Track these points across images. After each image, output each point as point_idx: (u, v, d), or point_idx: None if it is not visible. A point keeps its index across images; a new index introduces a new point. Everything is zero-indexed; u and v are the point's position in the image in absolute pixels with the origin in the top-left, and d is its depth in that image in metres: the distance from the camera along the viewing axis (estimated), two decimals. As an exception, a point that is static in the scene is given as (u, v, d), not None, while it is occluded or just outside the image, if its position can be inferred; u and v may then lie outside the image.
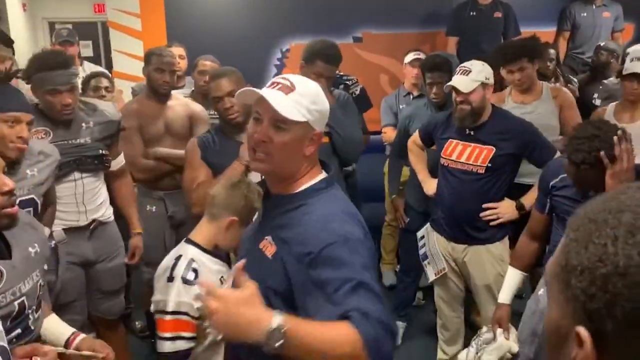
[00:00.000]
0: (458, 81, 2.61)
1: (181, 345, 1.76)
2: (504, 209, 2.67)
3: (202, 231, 1.91)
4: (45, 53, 2.41)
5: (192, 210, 2.50)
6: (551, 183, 2.20)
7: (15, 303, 1.52)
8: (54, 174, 2.28)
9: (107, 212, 2.65)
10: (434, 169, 2.91)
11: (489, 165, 2.61)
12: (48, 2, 7.51)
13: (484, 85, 2.61)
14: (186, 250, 1.86)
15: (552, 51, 4.04)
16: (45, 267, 1.72)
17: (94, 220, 2.56)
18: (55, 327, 1.71)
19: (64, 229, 2.47)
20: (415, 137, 3.02)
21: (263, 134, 1.32)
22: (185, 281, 1.77)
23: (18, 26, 6.86)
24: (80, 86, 3.49)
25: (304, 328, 1.15)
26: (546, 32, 4.95)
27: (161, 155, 2.98)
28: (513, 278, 2.36)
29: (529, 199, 2.60)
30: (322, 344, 1.14)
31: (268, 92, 1.30)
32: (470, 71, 2.61)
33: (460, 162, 2.68)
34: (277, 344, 1.10)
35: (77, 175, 2.47)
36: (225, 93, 2.41)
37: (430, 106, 3.30)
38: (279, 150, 1.32)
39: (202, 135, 2.58)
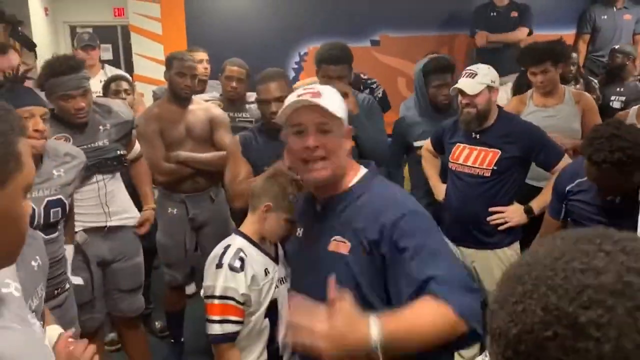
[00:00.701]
0: (464, 84, 2.61)
1: (229, 328, 1.85)
2: (512, 213, 2.65)
3: (247, 223, 2.00)
4: (56, 59, 2.44)
5: (232, 204, 2.56)
6: (567, 188, 2.18)
7: None
8: (81, 175, 2.31)
9: (129, 214, 2.69)
10: (443, 174, 2.92)
11: (495, 168, 2.60)
12: (69, 6, 7.63)
13: (489, 88, 2.61)
14: (235, 240, 1.95)
15: (574, 55, 4.03)
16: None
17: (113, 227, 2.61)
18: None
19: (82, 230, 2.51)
20: (427, 144, 3.02)
21: (315, 141, 1.38)
22: (232, 268, 1.85)
23: (40, 30, 6.97)
24: (101, 89, 3.56)
25: (398, 324, 1.19)
26: (566, 34, 4.91)
27: (183, 159, 3.02)
28: None
29: (538, 203, 2.59)
30: (420, 330, 1.20)
31: (312, 99, 1.38)
32: (476, 74, 2.61)
33: (467, 165, 2.68)
34: (381, 352, 1.15)
35: (98, 177, 2.51)
36: (273, 98, 2.40)
37: (420, 109, 3.20)
38: (334, 152, 1.40)
39: (244, 134, 2.58)
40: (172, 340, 3.30)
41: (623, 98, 3.95)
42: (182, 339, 3.29)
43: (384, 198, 1.41)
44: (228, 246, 1.93)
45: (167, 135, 3.01)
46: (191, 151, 3.06)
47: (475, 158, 2.65)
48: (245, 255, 1.90)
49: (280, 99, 2.38)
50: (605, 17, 5.04)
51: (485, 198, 2.64)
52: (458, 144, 2.73)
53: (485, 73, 2.63)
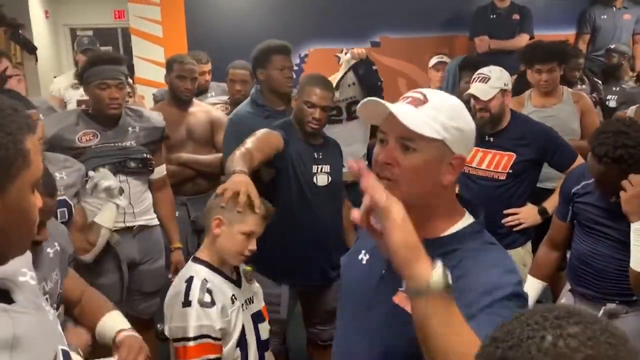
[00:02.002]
0: (477, 89, 2.59)
1: None
2: (526, 214, 2.65)
3: (203, 248, 1.86)
4: (98, 52, 2.51)
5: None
6: (573, 190, 2.17)
7: None
8: (82, 182, 2.32)
9: (152, 216, 2.71)
10: None
11: (510, 171, 2.60)
12: (69, 9, 7.66)
13: (503, 91, 2.59)
14: (197, 271, 1.78)
15: (580, 61, 4.03)
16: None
17: (140, 227, 2.63)
18: (111, 322, 1.66)
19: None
20: None
21: (388, 155, 1.09)
22: (203, 304, 1.69)
23: (40, 33, 7.00)
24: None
25: (450, 311, 0.92)
26: (566, 35, 4.93)
27: (184, 161, 3.03)
28: (534, 288, 2.32)
29: (552, 203, 2.58)
30: (448, 339, 0.91)
31: (395, 106, 1.10)
32: (489, 78, 2.59)
33: (481, 169, 2.66)
34: (431, 295, 0.89)
35: (122, 177, 2.52)
36: (320, 104, 2.37)
37: None
38: (407, 175, 1.08)
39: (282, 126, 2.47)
40: (174, 343, 3.30)
41: (622, 100, 3.97)
42: (184, 342, 3.29)
43: (488, 267, 1.09)
44: (191, 279, 1.74)
45: (168, 138, 3.01)
46: (192, 153, 3.08)
47: (489, 162, 2.64)
48: (212, 285, 1.74)
49: (325, 108, 2.39)
50: (605, 17, 5.04)
51: (500, 201, 2.63)
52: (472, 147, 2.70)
53: (498, 77, 2.60)
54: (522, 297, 1.07)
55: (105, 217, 2.33)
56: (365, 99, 1.12)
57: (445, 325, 0.90)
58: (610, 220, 2.02)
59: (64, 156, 2.29)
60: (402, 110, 1.07)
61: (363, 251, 1.27)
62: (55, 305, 1.63)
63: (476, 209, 1.20)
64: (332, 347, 1.31)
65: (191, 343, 1.67)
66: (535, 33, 4.71)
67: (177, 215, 3.03)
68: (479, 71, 2.67)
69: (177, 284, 1.77)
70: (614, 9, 5.02)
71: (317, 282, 2.56)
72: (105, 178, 2.32)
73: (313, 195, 2.43)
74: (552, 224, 2.36)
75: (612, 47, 4.45)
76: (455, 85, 3.28)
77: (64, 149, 2.39)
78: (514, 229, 2.66)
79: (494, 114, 2.58)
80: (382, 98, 1.30)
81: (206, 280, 1.74)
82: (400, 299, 1.11)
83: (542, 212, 2.64)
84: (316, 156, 2.47)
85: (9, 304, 0.88)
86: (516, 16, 4.69)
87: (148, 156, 2.60)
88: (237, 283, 1.86)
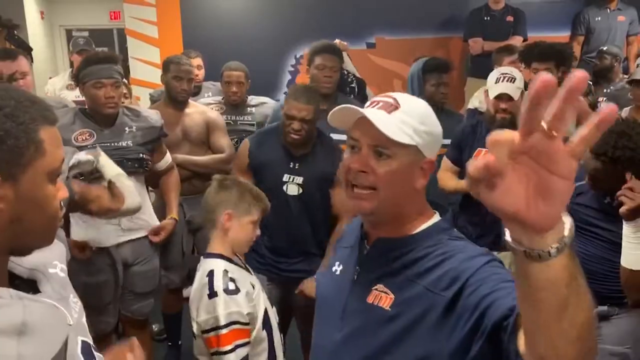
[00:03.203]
0: (508, 88, 2.53)
1: (242, 352, 1.79)
2: None
3: (214, 243, 1.92)
4: (94, 52, 2.50)
5: None
6: None
7: None
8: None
9: (148, 218, 2.70)
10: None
11: None
12: (65, 10, 7.64)
13: (522, 92, 2.57)
14: (215, 264, 1.86)
15: (574, 64, 4.06)
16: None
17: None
18: None
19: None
20: (444, 166, 2.83)
21: (362, 163, 1.09)
22: (229, 292, 1.78)
23: (36, 34, 6.98)
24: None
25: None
26: (561, 36, 4.96)
27: (179, 162, 3.04)
28: None
29: None
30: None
31: (369, 112, 1.08)
32: (515, 78, 2.55)
33: None
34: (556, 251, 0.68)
35: None
36: (299, 117, 2.43)
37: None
38: (384, 183, 1.08)
39: (254, 137, 2.70)
40: (170, 344, 3.31)
41: (607, 98, 3.98)
42: (180, 342, 3.29)
43: (458, 259, 1.06)
44: (211, 272, 1.83)
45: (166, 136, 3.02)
46: (188, 154, 3.08)
47: None
48: (233, 274, 1.84)
49: (306, 120, 2.43)
50: (599, 18, 5.07)
51: None
52: (480, 149, 2.65)
53: (520, 77, 2.58)
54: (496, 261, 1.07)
55: (111, 169, 2.15)
56: (341, 106, 1.11)
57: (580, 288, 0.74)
58: (603, 221, 2.03)
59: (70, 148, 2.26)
60: (377, 117, 1.06)
61: (337, 263, 1.28)
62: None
63: (443, 210, 1.24)
64: (310, 355, 1.32)
65: (223, 330, 1.75)
66: (530, 35, 4.74)
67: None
68: (502, 71, 2.62)
69: (199, 280, 1.84)
70: (608, 10, 5.05)
71: (293, 285, 2.60)
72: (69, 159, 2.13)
73: (279, 202, 2.44)
74: None
75: (605, 48, 4.48)
76: (421, 88, 3.28)
77: None
78: None
79: (515, 115, 2.54)
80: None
81: (226, 271, 1.83)
82: (374, 297, 1.11)
83: None
84: (291, 165, 2.53)
85: (34, 294, 0.90)
86: (510, 18, 4.73)
87: (145, 156, 2.60)
88: (248, 271, 1.98)
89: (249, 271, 1.97)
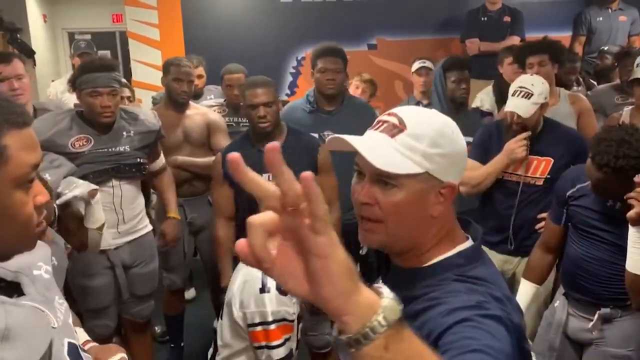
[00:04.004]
0: (518, 106, 2.48)
1: (291, 345, 1.88)
2: None
3: None
4: (91, 58, 2.50)
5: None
6: (568, 193, 2.14)
7: None
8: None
9: (144, 222, 2.71)
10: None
11: (548, 176, 2.53)
12: (68, 13, 7.67)
13: (542, 105, 2.51)
14: None
15: (577, 64, 4.05)
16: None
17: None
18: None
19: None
20: (470, 165, 2.67)
21: (366, 195, 0.97)
22: (280, 291, 1.82)
23: (39, 37, 7.01)
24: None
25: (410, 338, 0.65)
26: (562, 36, 4.95)
27: (179, 163, 3.04)
28: (527, 291, 2.28)
29: None
30: None
31: (362, 141, 0.96)
32: (531, 94, 2.47)
33: (516, 174, 2.57)
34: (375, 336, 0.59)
35: (114, 182, 2.52)
36: (260, 102, 2.44)
37: (442, 107, 3.25)
38: (390, 215, 0.96)
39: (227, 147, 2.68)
40: (172, 345, 3.31)
41: (595, 107, 3.95)
42: (182, 344, 3.30)
43: (445, 299, 0.92)
44: None
45: (165, 140, 3.01)
46: (189, 155, 3.09)
47: (527, 167, 2.56)
48: None
49: (268, 104, 2.44)
50: (601, 18, 5.07)
51: (536, 205, 2.56)
52: None
53: (539, 91, 2.45)
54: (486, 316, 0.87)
55: (94, 218, 2.28)
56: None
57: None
58: (606, 223, 2.00)
59: (53, 156, 2.25)
60: (373, 147, 0.94)
61: None
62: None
63: (475, 233, 1.06)
64: None
65: (272, 326, 1.82)
66: (530, 35, 4.73)
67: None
68: (521, 84, 2.52)
69: (247, 273, 1.87)
70: (610, 10, 5.04)
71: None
72: (69, 187, 2.20)
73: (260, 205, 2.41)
74: (546, 227, 2.32)
75: (606, 48, 4.47)
76: (444, 89, 3.30)
77: (56, 154, 2.38)
78: None
79: (530, 128, 2.51)
80: None
81: None
82: None
83: None
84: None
85: (18, 296, 0.89)
86: (507, 18, 4.73)
87: (142, 161, 2.59)
88: None
89: None
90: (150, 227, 2.75)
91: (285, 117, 2.89)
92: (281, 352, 1.84)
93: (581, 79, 4.13)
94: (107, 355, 1.20)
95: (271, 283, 1.84)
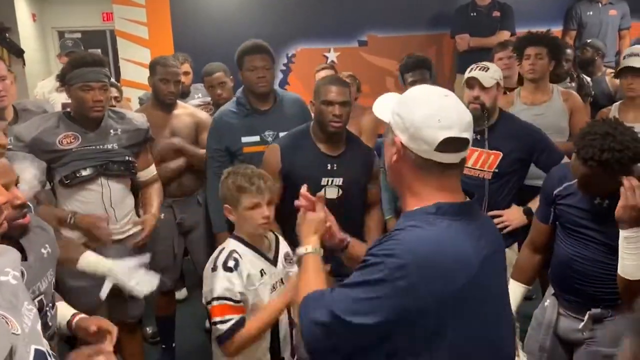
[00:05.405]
0: (478, 74, 2.54)
1: (233, 326, 1.88)
2: (512, 216, 2.58)
3: (236, 226, 2.05)
4: (80, 53, 2.48)
5: None
6: (555, 192, 2.10)
7: (35, 301, 1.55)
8: (40, 180, 2.27)
9: (132, 220, 2.69)
10: None
11: (496, 170, 2.54)
12: (57, 11, 7.60)
13: (497, 85, 2.56)
14: (228, 243, 2.00)
15: (569, 51, 4.03)
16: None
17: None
18: (60, 312, 1.78)
19: None
20: None
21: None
22: (226, 268, 1.88)
23: (28, 36, 6.96)
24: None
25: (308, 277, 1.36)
26: (552, 31, 4.94)
27: (178, 146, 3.02)
28: (516, 292, 2.23)
29: (537, 203, 2.54)
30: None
31: (385, 96, 1.35)
32: (488, 68, 2.57)
33: (466, 167, 2.61)
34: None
35: (103, 180, 2.52)
36: (338, 100, 2.38)
37: None
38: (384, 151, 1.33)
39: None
40: (164, 346, 3.29)
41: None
42: (174, 345, 3.28)
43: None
44: (222, 249, 1.98)
45: (152, 140, 3.00)
46: (177, 156, 3.05)
47: (475, 160, 2.57)
48: (240, 256, 1.93)
49: (345, 104, 2.38)
50: (591, 13, 5.07)
51: (484, 201, 2.55)
52: None
53: (495, 69, 2.60)
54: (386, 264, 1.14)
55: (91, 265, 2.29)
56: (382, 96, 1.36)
57: (313, 274, 1.34)
58: (594, 222, 1.97)
59: (22, 154, 2.21)
60: (383, 99, 1.32)
61: None
62: (50, 304, 1.67)
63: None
64: None
65: (215, 303, 1.87)
66: (522, 29, 4.71)
67: (162, 217, 3.02)
68: (476, 63, 2.64)
69: (214, 254, 1.99)
70: (600, 5, 5.05)
71: None
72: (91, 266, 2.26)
73: None
74: (533, 226, 2.29)
75: (588, 41, 4.46)
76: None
77: (45, 152, 2.37)
78: (502, 232, 2.52)
79: (488, 107, 2.53)
80: None
81: (234, 251, 1.94)
82: None
83: (528, 212, 2.56)
84: (329, 167, 2.44)
85: None
86: (497, 13, 4.73)
87: (130, 159, 2.58)
88: (272, 262, 2.03)
89: (272, 262, 2.03)
90: (139, 227, 2.72)
91: (217, 125, 2.83)
92: (219, 328, 1.86)
93: (574, 74, 4.11)
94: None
95: (220, 262, 1.90)
